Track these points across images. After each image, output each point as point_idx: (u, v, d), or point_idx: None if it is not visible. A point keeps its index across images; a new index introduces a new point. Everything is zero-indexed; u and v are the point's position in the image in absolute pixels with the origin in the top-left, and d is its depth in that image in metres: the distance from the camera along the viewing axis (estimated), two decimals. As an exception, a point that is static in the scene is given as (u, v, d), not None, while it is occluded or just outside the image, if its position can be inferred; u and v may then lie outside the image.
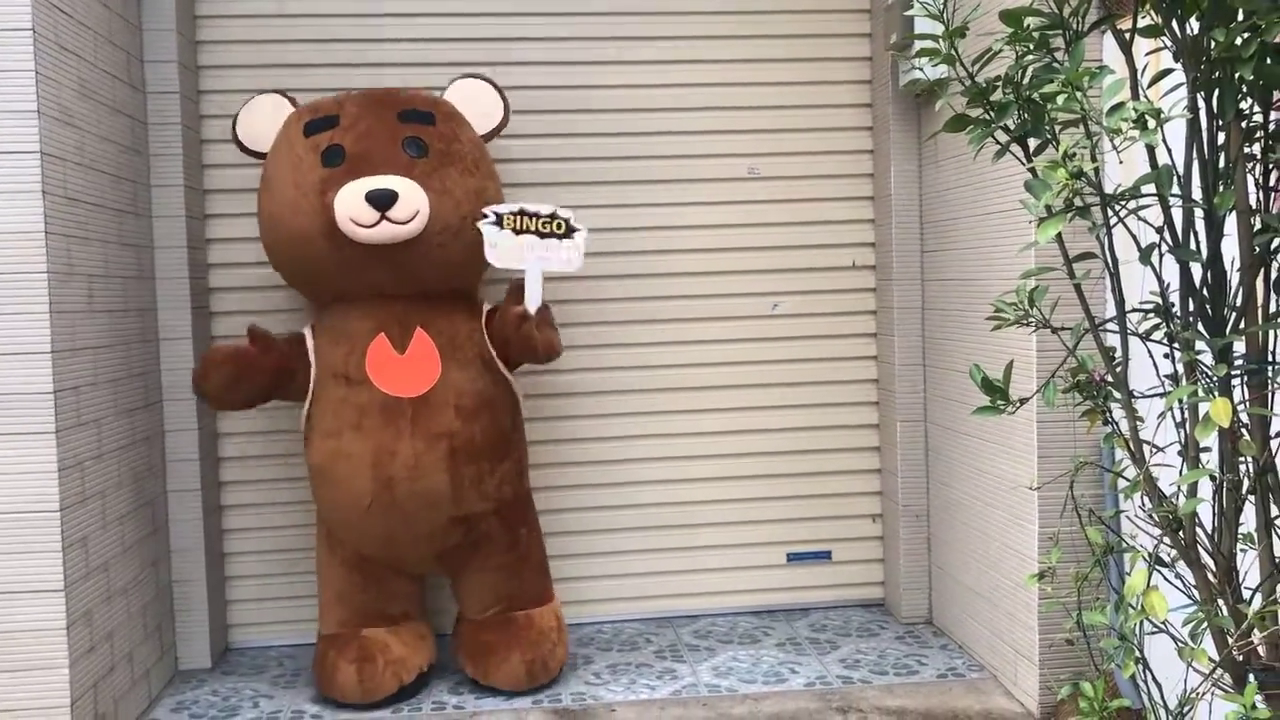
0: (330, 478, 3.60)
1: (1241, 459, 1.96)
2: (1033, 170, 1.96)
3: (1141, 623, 2.07)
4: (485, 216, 3.57)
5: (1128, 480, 2.26)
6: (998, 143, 2.06)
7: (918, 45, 2.14)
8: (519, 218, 3.59)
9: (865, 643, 4.15)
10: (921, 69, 2.00)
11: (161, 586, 3.90)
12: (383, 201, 3.42)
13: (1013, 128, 2.02)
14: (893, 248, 4.27)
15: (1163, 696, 2.19)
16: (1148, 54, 2.28)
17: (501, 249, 3.58)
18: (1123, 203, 1.99)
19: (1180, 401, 2.02)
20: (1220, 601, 2.01)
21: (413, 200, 3.46)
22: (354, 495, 3.55)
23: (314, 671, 3.75)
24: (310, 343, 3.69)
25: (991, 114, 2.01)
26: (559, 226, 3.63)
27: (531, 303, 3.62)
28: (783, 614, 4.50)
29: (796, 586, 4.56)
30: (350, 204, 3.43)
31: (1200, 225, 1.99)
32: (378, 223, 3.43)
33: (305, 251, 3.58)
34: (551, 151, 4.33)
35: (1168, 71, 2.07)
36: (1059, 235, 1.96)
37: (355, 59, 4.21)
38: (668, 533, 4.49)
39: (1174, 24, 1.94)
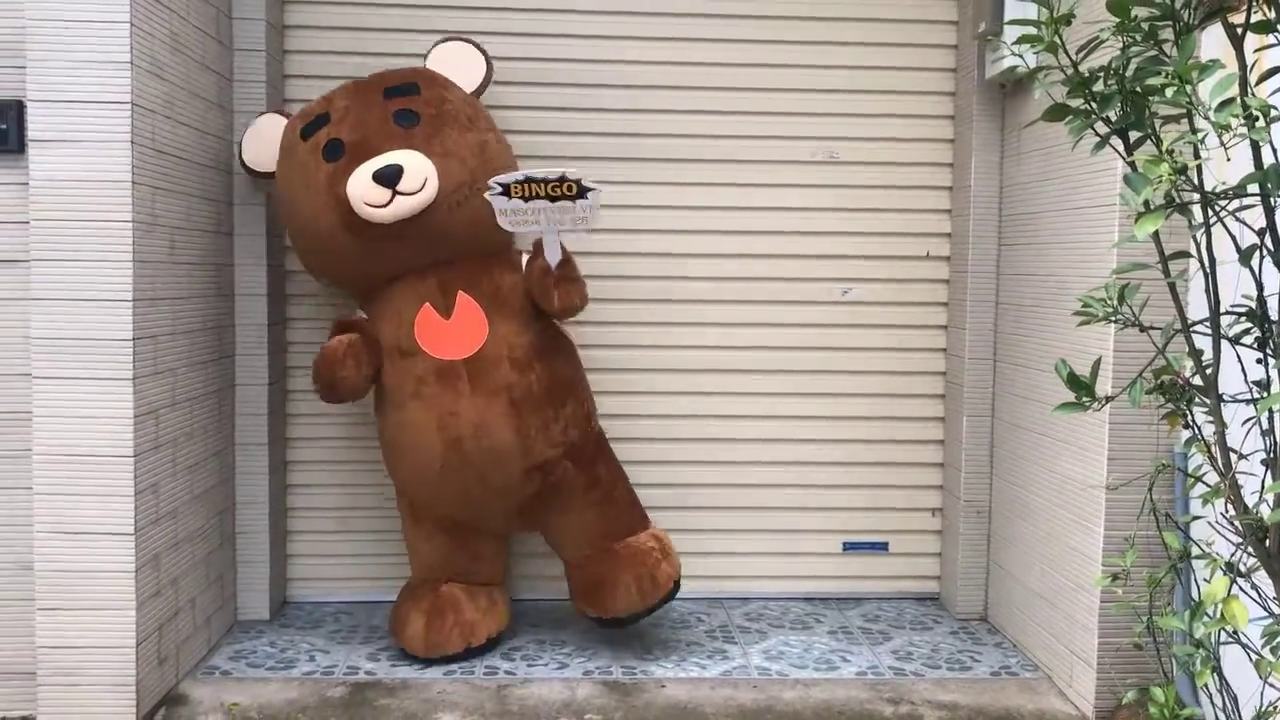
0: (400, 448, 3.67)
1: (1332, 470, 1.91)
2: (1132, 164, 1.92)
3: (1217, 632, 2.04)
4: (491, 189, 3.52)
5: (1207, 486, 2.22)
6: (1097, 135, 2.02)
7: (1018, 32, 2.10)
8: (526, 185, 3.51)
9: (918, 635, 4.12)
10: (1021, 56, 1.96)
11: (225, 537, 3.96)
12: (390, 178, 3.46)
13: (1114, 120, 1.97)
14: (969, 239, 4.21)
15: (1237, 708, 2.15)
16: (1255, 51, 2.22)
17: (513, 216, 3.55)
18: (1224, 202, 1.95)
19: (1271, 409, 1.97)
20: (1300, 614, 1.97)
21: (419, 169, 3.49)
22: (425, 461, 3.61)
23: (390, 618, 3.87)
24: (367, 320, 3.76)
25: (1093, 105, 1.97)
26: (569, 189, 3.54)
27: (551, 259, 3.61)
28: (835, 602, 4.48)
29: (851, 575, 4.54)
30: (360, 188, 3.47)
31: (1303, 229, 1.94)
32: (391, 199, 3.47)
33: (334, 250, 3.63)
34: (629, 127, 4.31)
35: (1277, 70, 2.02)
36: (1155, 232, 1.92)
37: (437, 24, 4.21)
38: (724, 514, 4.48)
39: (1289, 20, 1.89)
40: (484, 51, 3.88)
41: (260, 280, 4.03)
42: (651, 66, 4.31)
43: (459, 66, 3.84)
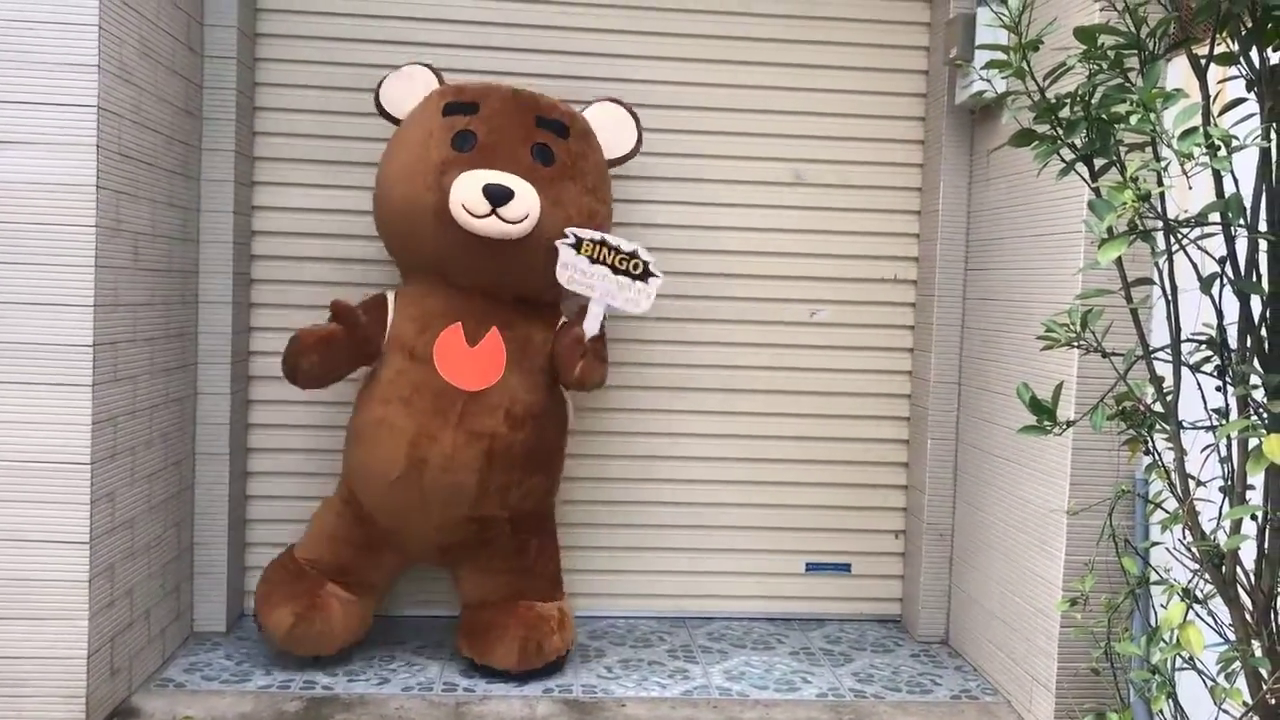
0: (368, 441, 3.64)
1: (1288, 498, 1.93)
2: (1097, 190, 1.94)
3: (1174, 658, 2.04)
4: (566, 236, 3.60)
5: (1166, 512, 2.23)
6: (1062, 160, 2.04)
7: (987, 57, 2.12)
8: (599, 247, 3.63)
9: (880, 658, 4.12)
10: (989, 81, 1.98)
11: (183, 547, 3.91)
12: (498, 197, 3.47)
13: (1079, 146, 1.99)
14: (936, 264, 4.24)
15: (1190, 733, 2.16)
16: (1219, 82, 2.25)
17: (573, 272, 3.63)
18: (1186, 230, 1.96)
19: (1230, 436, 1.99)
20: (1256, 642, 1.98)
21: (527, 202, 3.50)
22: (385, 464, 3.59)
23: (259, 587, 3.77)
24: (390, 309, 3.73)
25: (1059, 131, 1.98)
26: (635, 266, 3.67)
27: (589, 330, 3.64)
28: (798, 623, 4.48)
29: (814, 596, 4.54)
30: (466, 191, 3.48)
31: (1263, 259, 1.96)
32: (488, 215, 3.48)
33: (411, 224, 3.64)
34: (600, 143, 4.32)
35: (1240, 101, 2.04)
36: (1119, 259, 1.93)
37: (406, 36, 4.20)
38: (687, 532, 4.47)
39: (1252, 53, 1.91)
40: (639, 127, 3.90)
41: (226, 288, 3.99)
42: (614, 84, 4.31)
43: (610, 129, 3.87)
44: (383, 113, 3.82)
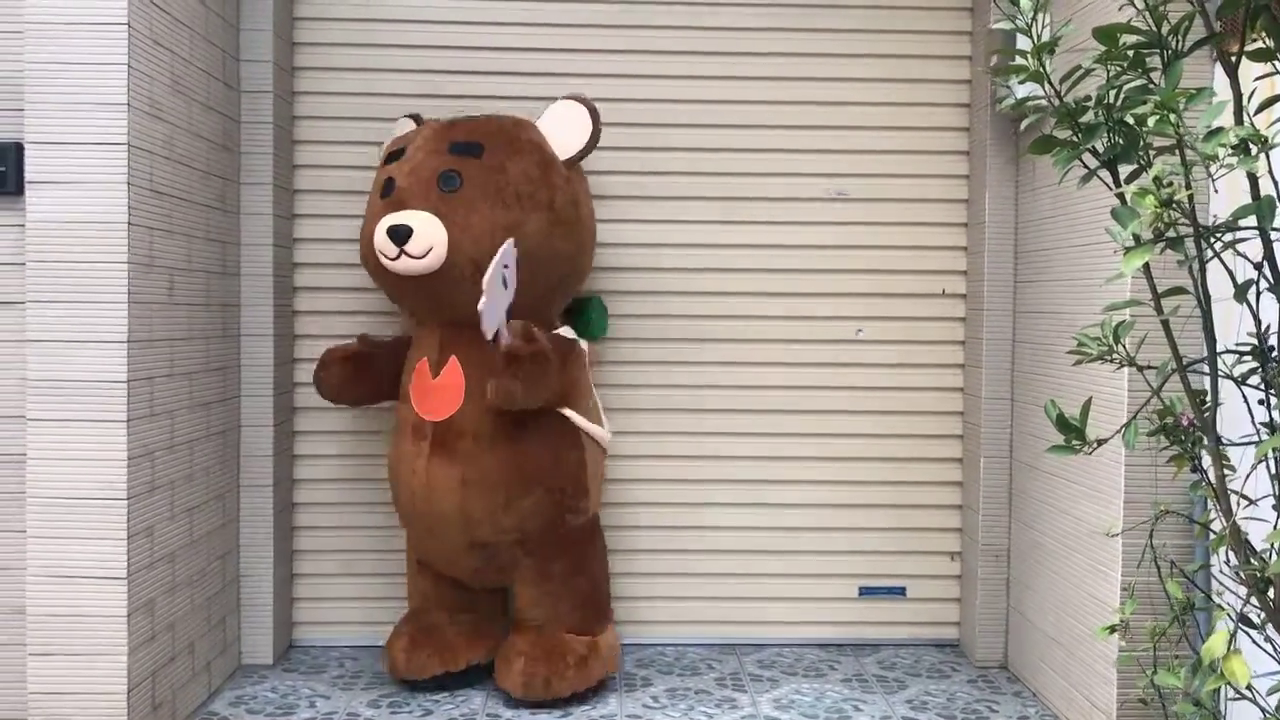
0: (391, 479, 3.83)
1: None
2: (1120, 197, 1.85)
3: (1223, 688, 1.93)
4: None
5: (1213, 533, 2.12)
6: (1085, 167, 1.95)
7: (1008, 63, 2.03)
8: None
9: (935, 684, 3.99)
10: (1008, 87, 1.90)
11: (228, 580, 3.92)
12: (401, 236, 3.51)
13: (1101, 151, 1.90)
14: (984, 277, 4.12)
15: (1241, 768, 2.04)
16: (1257, 79, 2.14)
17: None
18: (1219, 235, 1.86)
19: (1274, 451, 1.88)
20: (1309, 670, 1.86)
21: (428, 236, 3.50)
22: (396, 501, 3.82)
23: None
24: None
25: (1079, 136, 1.89)
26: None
27: (488, 329, 3.42)
28: (851, 649, 4.36)
29: (867, 621, 4.42)
30: (379, 237, 3.57)
31: (1304, 263, 1.85)
32: (398, 257, 3.53)
33: (370, 273, 3.78)
34: (638, 165, 4.28)
35: (1277, 98, 1.93)
36: (1147, 268, 1.84)
37: (446, 65, 4.21)
38: (737, 557, 4.39)
39: (1284, 46, 1.81)
40: (594, 114, 3.75)
41: (267, 321, 4.01)
42: (659, 105, 4.28)
43: (562, 127, 3.77)
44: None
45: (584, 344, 3.88)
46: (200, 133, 3.60)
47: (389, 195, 3.62)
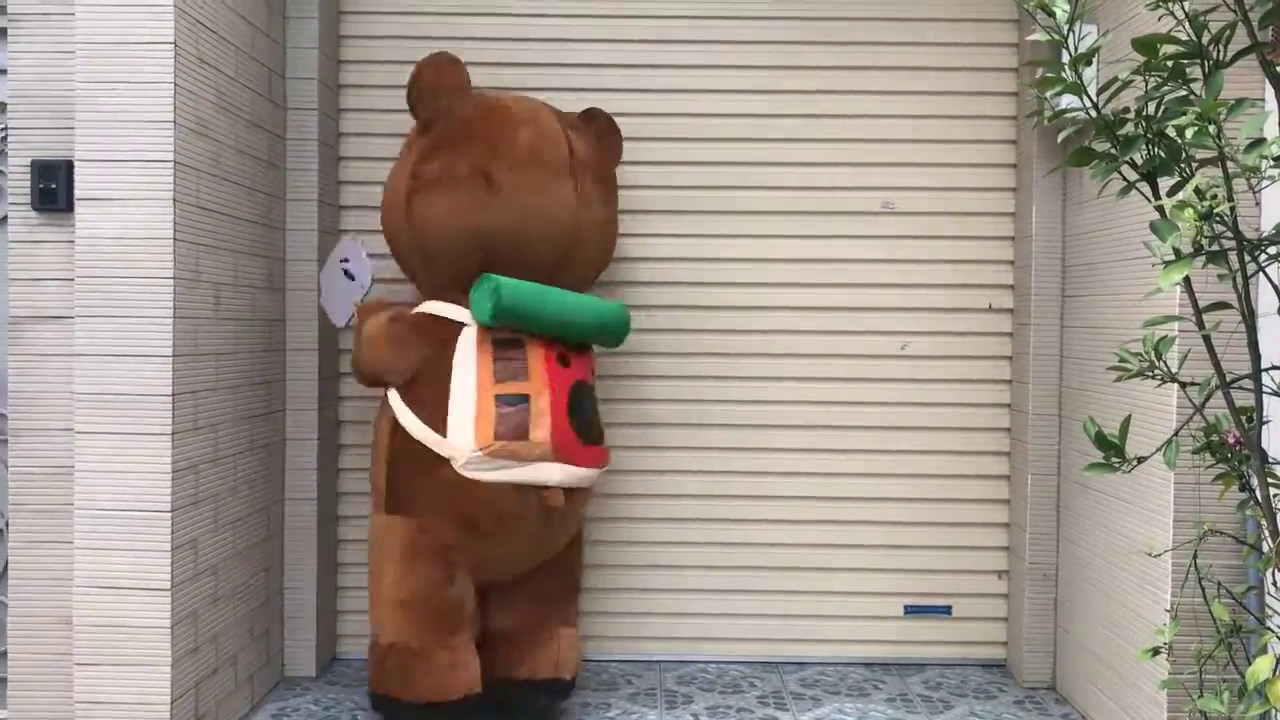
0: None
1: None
2: (1160, 210, 1.81)
3: (1269, 713, 1.87)
4: None
5: (1261, 554, 2.07)
6: (1124, 179, 1.91)
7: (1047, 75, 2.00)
8: None
9: (981, 705, 3.92)
10: (1046, 99, 1.87)
11: (271, 593, 3.95)
12: None
13: (1140, 163, 1.86)
14: (1031, 291, 4.07)
15: (1289, 797, 1.98)
16: (1304, 90, 2.09)
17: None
18: (1263, 249, 1.82)
19: (1321, 471, 1.83)
20: (1359, 697, 1.80)
21: None
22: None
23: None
24: None
25: (1118, 148, 1.86)
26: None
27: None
28: (896, 668, 4.31)
29: (913, 641, 4.36)
30: None
31: (1352, 277, 1.80)
32: None
33: None
34: (684, 180, 4.27)
35: (1323, 108, 1.89)
36: (1187, 282, 1.80)
37: (488, 82, 4.23)
38: (780, 575, 4.35)
39: (1329, 55, 1.77)
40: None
41: (312, 336, 4.05)
42: (699, 119, 4.27)
43: None
44: None
45: (465, 325, 3.49)
46: (246, 149, 3.65)
47: None
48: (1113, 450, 1.89)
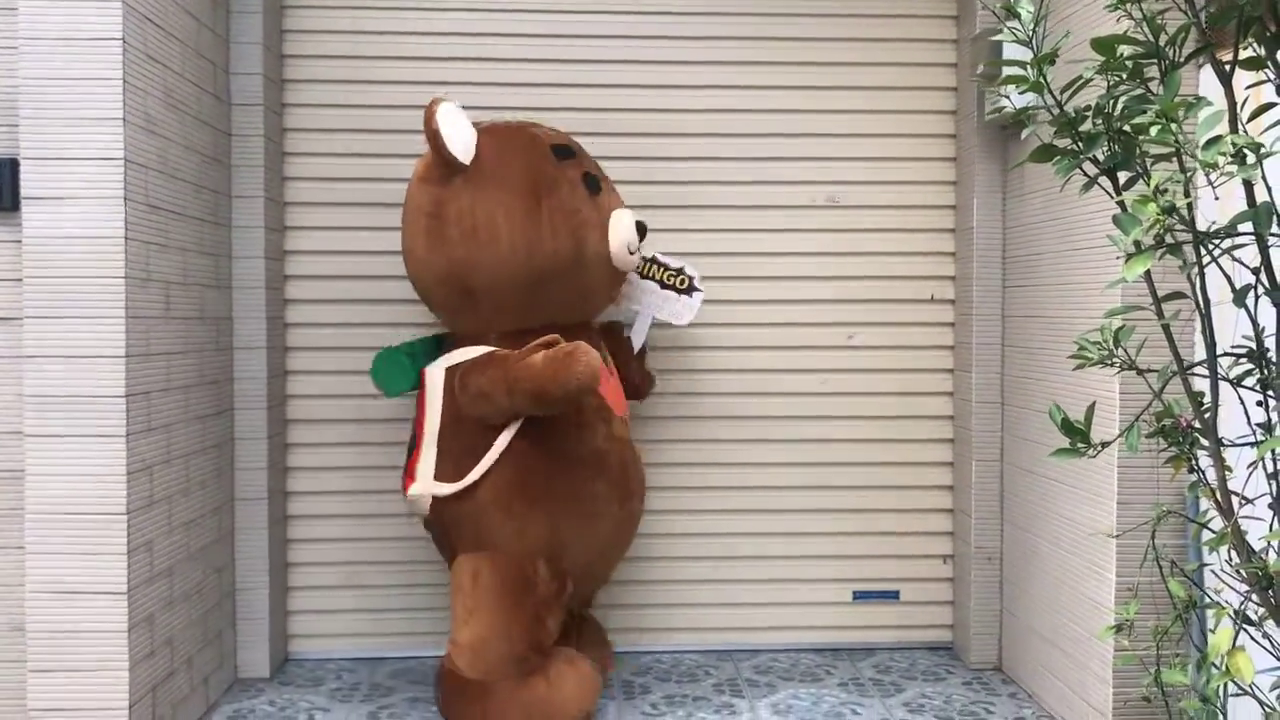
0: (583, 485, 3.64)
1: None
2: (1121, 204, 1.88)
3: (1226, 684, 1.96)
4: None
5: (1213, 532, 2.15)
6: (1085, 175, 1.98)
7: (1005, 73, 2.07)
8: (649, 264, 3.93)
9: (931, 687, 4.02)
10: (1008, 97, 1.93)
11: (225, 594, 3.92)
12: (642, 230, 3.77)
13: (1102, 159, 1.93)
14: (973, 282, 4.17)
15: (1245, 764, 2.08)
16: (1248, 87, 2.18)
17: (625, 287, 3.83)
18: (1217, 241, 1.90)
19: (1273, 452, 1.91)
20: (1311, 666, 1.90)
21: None
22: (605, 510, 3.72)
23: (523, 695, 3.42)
24: None
25: (1080, 145, 1.93)
26: (681, 282, 3.89)
27: (637, 343, 3.92)
28: (846, 653, 4.39)
29: (862, 625, 4.45)
30: (628, 232, 3.62)
31: (1300, 267, 1.89)
32: (634, 252, 3.70)
33: (555, 273, 3.56)
34: (625, 174, 4.29)
35: (1270, 105, 1.97)
36: (1148, 274, 1.87)
37: (435, 78, 4.22)
38: (731, 564, 4.41)
39: (1278, 56, 1.85)
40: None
41: (260, 333, 4.01)
42: (642, 115, 4.30)
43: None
44: (453, 162, 3.54)
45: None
46: (193, 146, 3.60)
47: (599, 192, 3.55)
48: (1079, 436, 1.96)
